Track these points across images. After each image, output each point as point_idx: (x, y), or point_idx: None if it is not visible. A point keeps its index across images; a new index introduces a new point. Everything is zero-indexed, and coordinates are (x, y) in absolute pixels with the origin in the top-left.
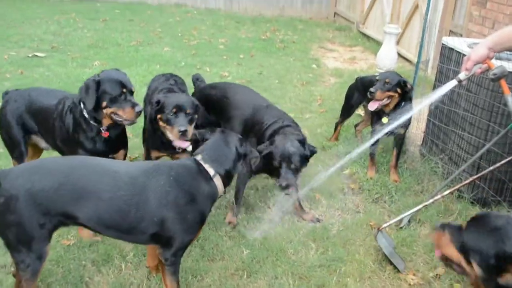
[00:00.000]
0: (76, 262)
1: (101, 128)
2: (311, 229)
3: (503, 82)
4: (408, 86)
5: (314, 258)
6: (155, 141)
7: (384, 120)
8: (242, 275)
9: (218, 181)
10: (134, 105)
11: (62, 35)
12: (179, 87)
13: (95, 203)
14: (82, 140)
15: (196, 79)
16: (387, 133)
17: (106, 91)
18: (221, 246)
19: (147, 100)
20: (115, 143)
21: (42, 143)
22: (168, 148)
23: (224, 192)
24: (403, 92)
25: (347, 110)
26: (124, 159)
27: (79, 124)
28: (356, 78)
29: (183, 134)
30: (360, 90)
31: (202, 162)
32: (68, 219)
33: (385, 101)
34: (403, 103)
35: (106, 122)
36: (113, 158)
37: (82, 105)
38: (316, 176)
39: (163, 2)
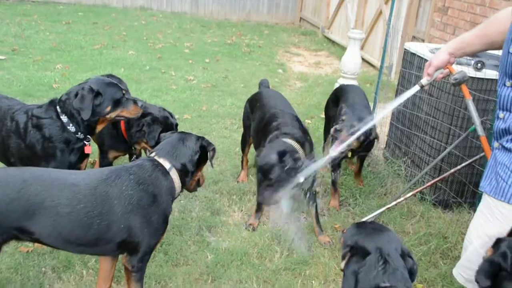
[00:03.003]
0: (36, 269)
1: (85, 142)
2: (276, 233)
3: (463, 87)
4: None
5: (279, 262)
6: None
7: None
8: (206, 280)
9: (174, 175)
10: (136, 101)
11: (24, 38)
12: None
13: (53, 219)
14: (57, 155)
15: (261, 84)
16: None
17: (109, 96)
18: (185, 251)
19: None
20: (83, 153)
21: None
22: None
23: (182, 191)
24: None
25: (326, 124)
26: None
27: (57, 139)
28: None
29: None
30: (333, 100)
31: (156, 157)
32: (23, 234)
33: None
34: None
35: (100, 127)
36: (79, 168)
37: (65, 118)
38: None
39: (128, 5)
